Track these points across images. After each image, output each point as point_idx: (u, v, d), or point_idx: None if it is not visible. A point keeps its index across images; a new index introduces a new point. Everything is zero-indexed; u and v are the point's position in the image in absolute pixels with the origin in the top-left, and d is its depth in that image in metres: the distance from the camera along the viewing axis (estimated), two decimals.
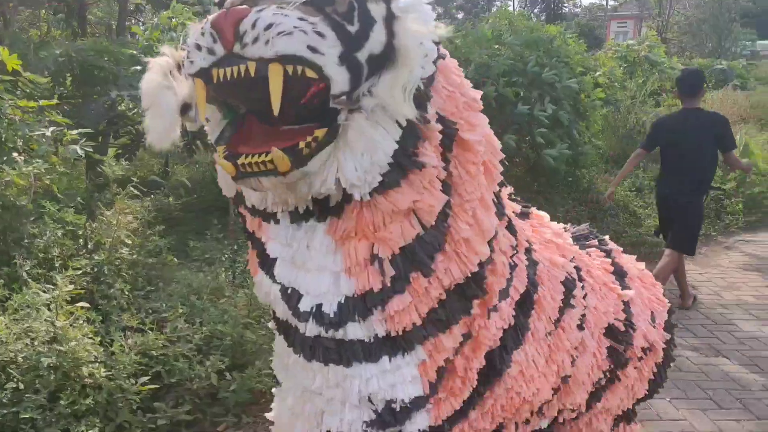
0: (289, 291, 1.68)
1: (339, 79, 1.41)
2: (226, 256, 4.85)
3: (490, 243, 1.71)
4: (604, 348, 2.30)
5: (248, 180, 1.48)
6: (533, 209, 2.36)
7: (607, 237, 2.75)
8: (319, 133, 1.45)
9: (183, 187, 6.11)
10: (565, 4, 49.73)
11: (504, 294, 1.83)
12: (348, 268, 1.59)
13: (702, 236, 7.61)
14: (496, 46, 7.01)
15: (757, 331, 5.07)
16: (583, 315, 2.19)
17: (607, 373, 2.36)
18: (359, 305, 1.61)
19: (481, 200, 1.68)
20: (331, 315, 1.62)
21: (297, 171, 1.46)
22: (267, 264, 1.74)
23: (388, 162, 1.49)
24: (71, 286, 3.54)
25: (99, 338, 3.37)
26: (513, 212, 1.97)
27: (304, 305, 1.65)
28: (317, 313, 1.63)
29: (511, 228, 1.87)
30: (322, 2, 1.43)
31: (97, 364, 3.20)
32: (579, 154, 7.37)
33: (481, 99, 1.74)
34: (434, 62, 1.56)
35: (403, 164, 1.51)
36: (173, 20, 6.13)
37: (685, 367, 4.44)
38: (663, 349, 2.65)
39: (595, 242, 2.66)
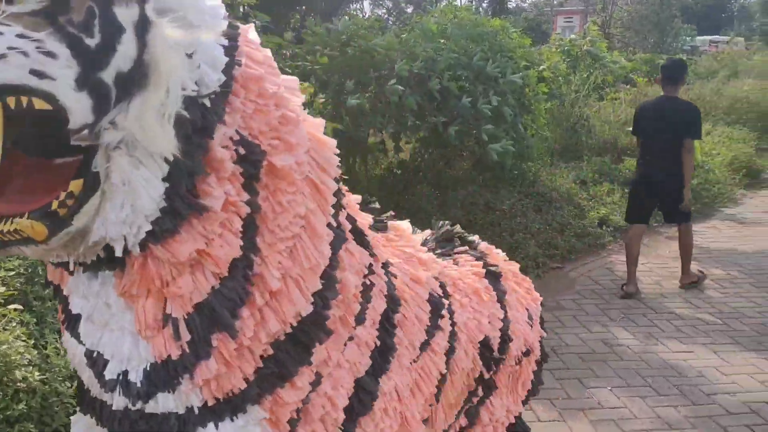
0: (94, 354, 1.40)
1: (77, 108, 1.12)
2: None
3: (328, 274, 1.46)
4: (478, 365, 2.14)
5: (10, 249, 1.23)
6: (392, 221, 2.11)
7: (476, 237, 2.51)
8: (74, 187, 1.18)
9: None
10: None
11: (360, 319, 1.59)
12: (139, 331, 1.33)
13: None
14: (442, 41, 7.04)
15: (695, 318, 5.22)
16: (453, 335, 1.98)
17: (484, 387, 2.22)
18: (164, 373, 1.34)
19: (309, 229, 1.41)
20: (138, 384, 1.35)
21: (60, 233, 1.20)
22: (72, 321, 1.44)
23: (159, 207, 1.20)
24: (3, 288, 3.41)
25: (33, 341, 3.26)
26: (366, 225, 1.73)
27: (110, 372, 1.37)
28: (124, 382, 1.36)
29: (363, 243, 1.64)
30: (53, 10, 1.11)
31: (31, 367, 3.09)
32: (524, 148, 7.47)
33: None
34: (230, 70, 1.27)
35: (178, 208, 1.22)
36: None
37: (625, 355, 4.55)
38: (540, 346, 2.53)
39: (464, 247, 2.42)
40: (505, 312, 2.26)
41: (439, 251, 2.30)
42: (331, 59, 6.31)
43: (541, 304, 2.62)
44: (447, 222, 2.49)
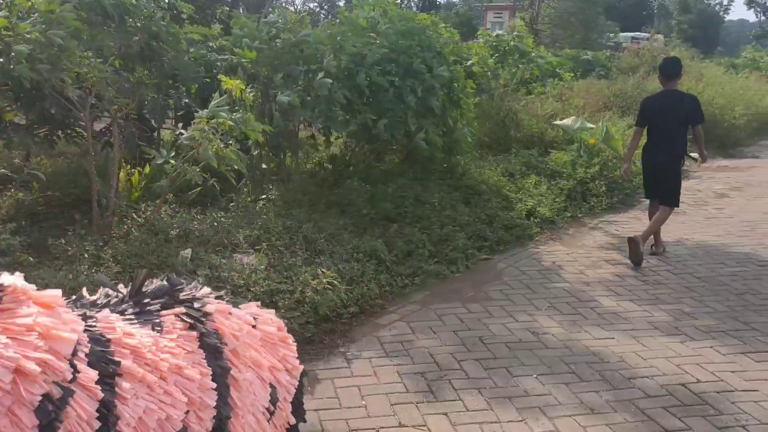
0: None
1: None
2: (90, 252, 4.61)
3: None
4: None
5: None
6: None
7: (206, 292, 1.98)
8: None
9: (36, 180, 5.74)
10: None
11: None
12: None
13: (570, 218, 8.06)
14: (372, 34, 7.04)
15: (617, 306, 5.40)
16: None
17: None
18: None
19: None
20: None
21: None
22: None
23: None
24: None
25: None
26: None
27: None
28: None
29: None
30: None
31: None
32: (453, 142, 7.56)
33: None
34: None
35: None
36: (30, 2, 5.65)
37: (550, 343, 4.67)
38: None
39: (179, 308, 1.85)
40: (224, 396, 1.80)
41: (134, 314, 1.80)
42: (260, 52, 6.24)
43: (303, 374, 2.10)
44: (172, 276, 1.99)
